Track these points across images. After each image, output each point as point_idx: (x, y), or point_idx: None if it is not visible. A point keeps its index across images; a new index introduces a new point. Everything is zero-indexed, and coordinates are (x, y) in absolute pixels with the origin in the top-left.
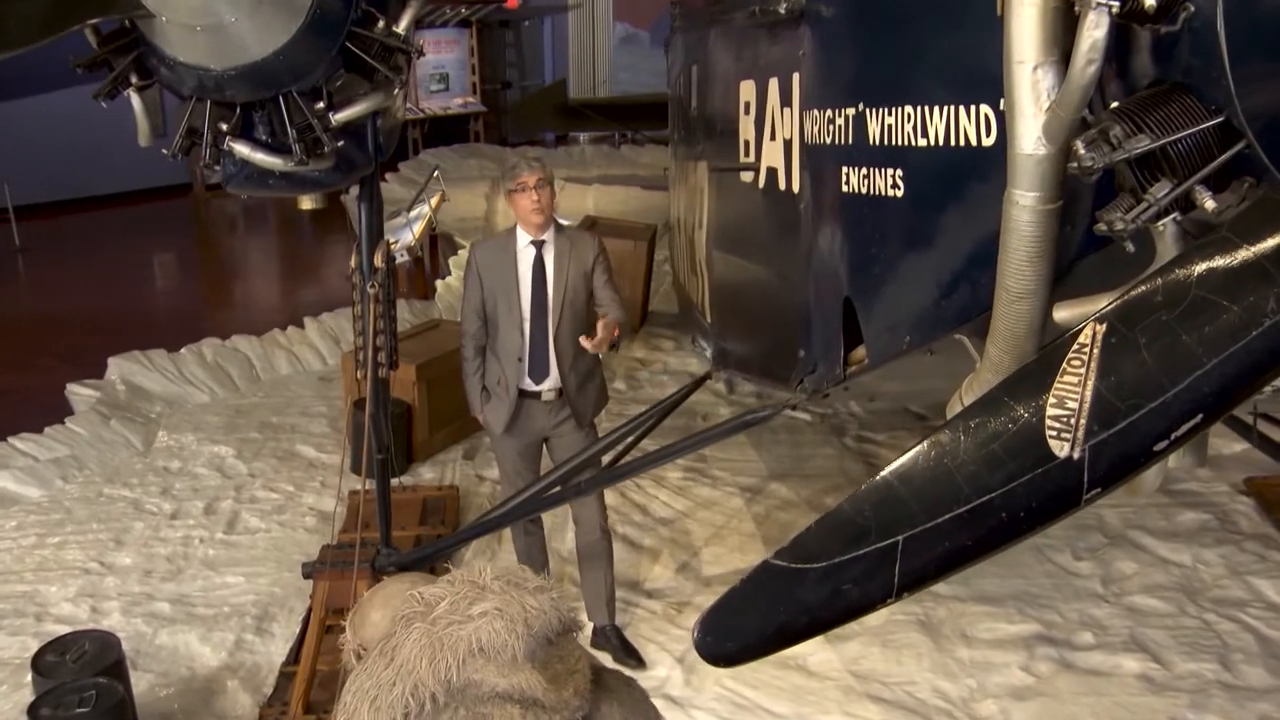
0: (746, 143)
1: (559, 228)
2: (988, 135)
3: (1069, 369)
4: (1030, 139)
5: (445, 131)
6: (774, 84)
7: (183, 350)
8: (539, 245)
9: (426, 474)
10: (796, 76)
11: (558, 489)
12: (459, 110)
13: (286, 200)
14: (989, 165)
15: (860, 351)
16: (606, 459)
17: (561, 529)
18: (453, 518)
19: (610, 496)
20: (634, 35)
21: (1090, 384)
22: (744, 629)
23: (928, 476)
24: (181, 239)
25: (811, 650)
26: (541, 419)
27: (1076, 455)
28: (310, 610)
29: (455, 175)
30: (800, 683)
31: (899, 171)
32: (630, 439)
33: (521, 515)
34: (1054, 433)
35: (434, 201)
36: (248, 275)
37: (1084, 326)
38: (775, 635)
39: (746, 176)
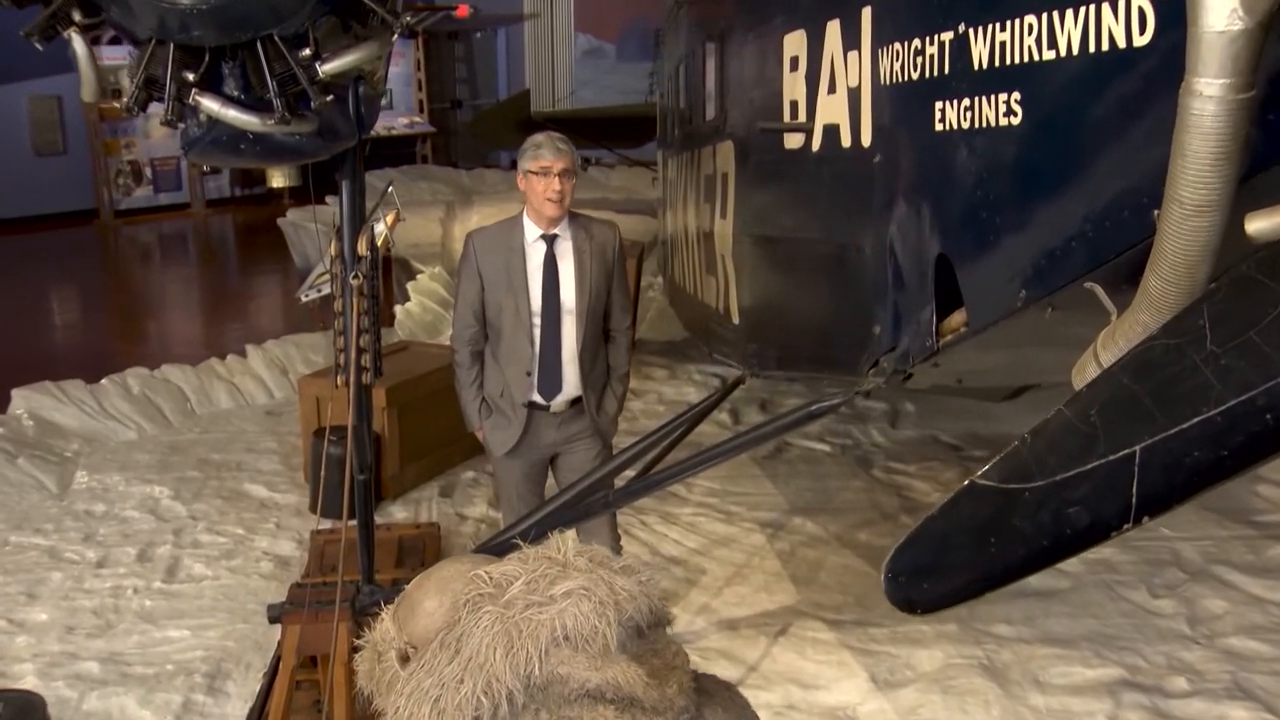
0: (794, 103)
1: (572, 215)
2: (1142, 32)
3: None
4: (1223, 11)
5: (388, 154)
6: (834, 27)
7: (103, 381)
8: (550, 240)
9: (398, 513)
10: (867, 11)
11: (574, 509)
12: (404, 131)
13: (205, 228)
14: (1142, 67)
15: (954, 319)
16: (627, 475)
17: None
18: (433, 559)
19: None
20: (598, 49)
21: None
22: (946, 566)
23: (1169, 372)
24: (90, 269)
25: (860, 699)
26: (550, 433)
27: None
28: (277, 659)
29: (406, 199)
30: None
31: (1016, 95)
32: (657, 450)
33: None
34: None
35: (389, 219)
36: (167, 309)
37: None
38: (985, 572)
39: (794, 142)
